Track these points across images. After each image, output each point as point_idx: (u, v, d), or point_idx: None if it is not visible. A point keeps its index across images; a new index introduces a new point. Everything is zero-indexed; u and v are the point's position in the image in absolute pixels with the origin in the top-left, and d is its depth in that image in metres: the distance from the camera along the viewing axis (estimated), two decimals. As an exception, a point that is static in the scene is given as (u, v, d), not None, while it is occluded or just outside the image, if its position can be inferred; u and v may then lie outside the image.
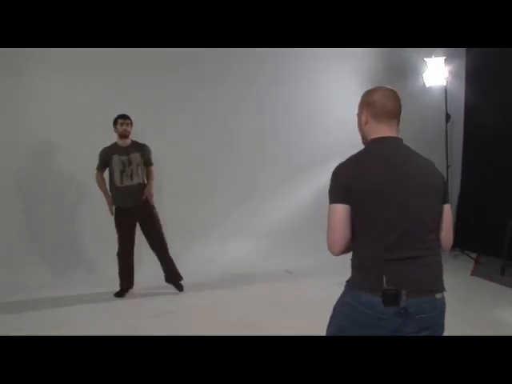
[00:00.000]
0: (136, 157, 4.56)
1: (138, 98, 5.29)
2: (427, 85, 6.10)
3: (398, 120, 1.86)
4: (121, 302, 4.52)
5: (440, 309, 1.74)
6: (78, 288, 4.77)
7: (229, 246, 5.62)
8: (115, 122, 4.52)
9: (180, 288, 4.77)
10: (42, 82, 5.13)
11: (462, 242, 6.04)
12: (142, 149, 4.63)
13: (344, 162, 1.79)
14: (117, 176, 4.52)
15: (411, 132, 6.13)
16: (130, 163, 4.53)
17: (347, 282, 1.81)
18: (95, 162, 4.63)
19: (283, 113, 5.98)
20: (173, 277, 4.77)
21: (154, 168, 4.74)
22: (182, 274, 4.79)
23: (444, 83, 6.03)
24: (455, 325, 3.60)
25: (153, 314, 4.13)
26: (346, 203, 1.71)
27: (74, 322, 3.97)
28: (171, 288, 4.77)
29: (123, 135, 4.52)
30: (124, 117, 4.51)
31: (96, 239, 5.13)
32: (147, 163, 4.68)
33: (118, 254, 4.64)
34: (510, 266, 5.05)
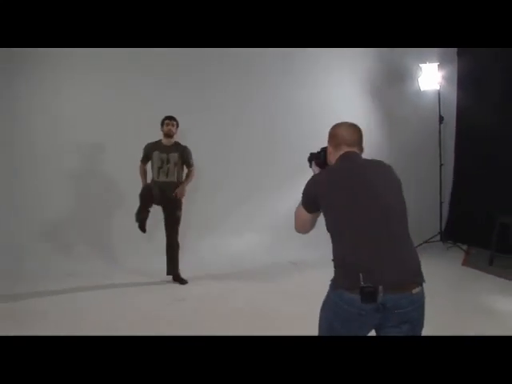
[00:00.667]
0: (174, 156, 4.49)
1: (138, 97, 5.13)
2: (422, 89, 6.00)
3: (359, 148, 1.92)
4: (137, 290, 4.38)
5: (418, 303, 1.66)
6: (99, 278, 4.64)
7: (231, 241, 5.41)
8: (162, 123, 4.53)
9: (182, 281, 4.57)
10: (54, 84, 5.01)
11: (454, 235, 6.07)
12: (181, 150, 4.55)
13: (314, 175, 1.91)
14: (154, 171, 4.51)
15: (408, 132, 6.04)
16: (168, 161, 4.48)
17: (331, 280, 1.76)
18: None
19: (284, 113, 5.74)
20: (173, 275, 4.61)
21: (194, 170, 4.63)
22: (188, 267, 4.66)
23: (437, 87, 5.95)
24: (447, 309, 3.50)
25: (166, 302, 4.05)
26: (314, 211, 1.86)
27: (92, 307, 3.90)
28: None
29: (168, 135, 4.51)
30: (170, 118, 4.53)
31: (124, 238, 5.00)
32: (187, 164, 4.60)
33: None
34: (498, 257, 5.04)
